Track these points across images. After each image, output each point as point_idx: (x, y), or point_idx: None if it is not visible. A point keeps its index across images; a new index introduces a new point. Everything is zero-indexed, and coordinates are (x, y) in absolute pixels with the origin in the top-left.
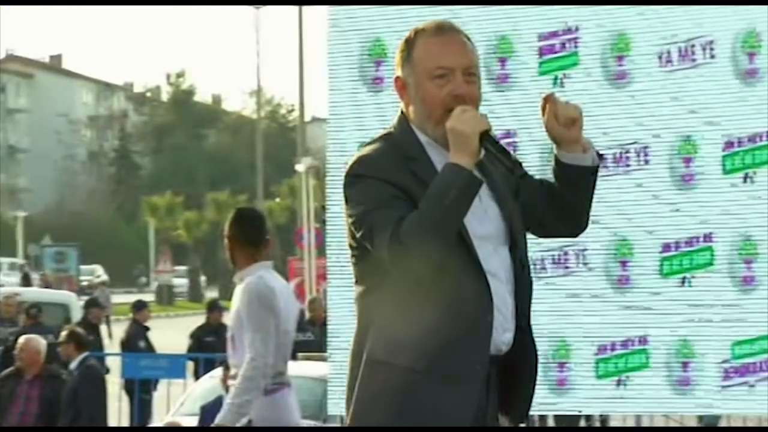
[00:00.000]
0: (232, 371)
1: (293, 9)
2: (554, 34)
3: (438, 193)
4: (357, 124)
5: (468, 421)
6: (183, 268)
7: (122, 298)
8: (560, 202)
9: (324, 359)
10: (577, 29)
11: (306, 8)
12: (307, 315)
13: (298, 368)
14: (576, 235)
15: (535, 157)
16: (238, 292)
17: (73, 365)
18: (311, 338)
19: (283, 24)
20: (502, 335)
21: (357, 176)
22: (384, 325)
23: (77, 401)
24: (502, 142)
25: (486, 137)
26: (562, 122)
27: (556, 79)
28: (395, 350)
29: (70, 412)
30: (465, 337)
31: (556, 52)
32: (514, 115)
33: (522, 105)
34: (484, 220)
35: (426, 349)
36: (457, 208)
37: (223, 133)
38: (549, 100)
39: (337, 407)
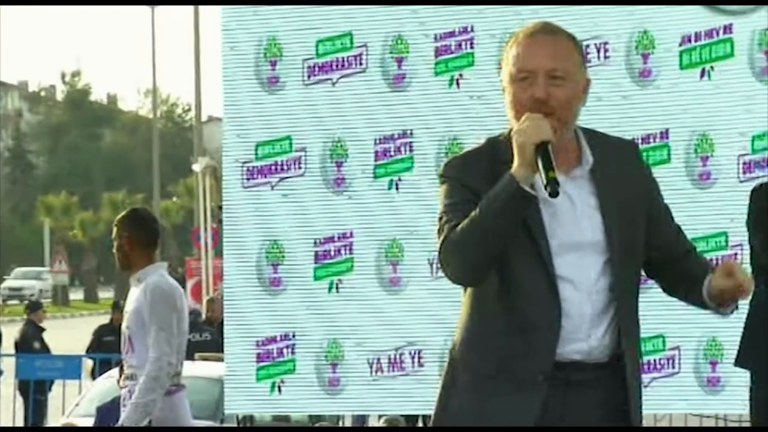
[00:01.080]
0: (128, 371)
1: (189, 8)
2: (450, 34)
3: (487, 203)
4: (252, 123)
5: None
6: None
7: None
8: (668, 278)
9: (221, 359)
10: (472, 29)
11: (202, 7)
12: (204, 315)
13: (195, 369)
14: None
15: (433, 155)
16: (136, 292)
17: None
18: (208, 338)
19: (179, 23)
20: (572, 344)
21: (441, 177)
22: (463, 324)
23: None
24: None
25: (541, 148)
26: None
27: (452, 79)
28: (467, 350)
29: None
30: (527, 343)
31: (452, 53)
32: (413, 113)
33: (420, 104)
34: (572, 227)
35: (496, 354)
36: (499, 218)
37: (119, 133)
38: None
39: (234, 407)
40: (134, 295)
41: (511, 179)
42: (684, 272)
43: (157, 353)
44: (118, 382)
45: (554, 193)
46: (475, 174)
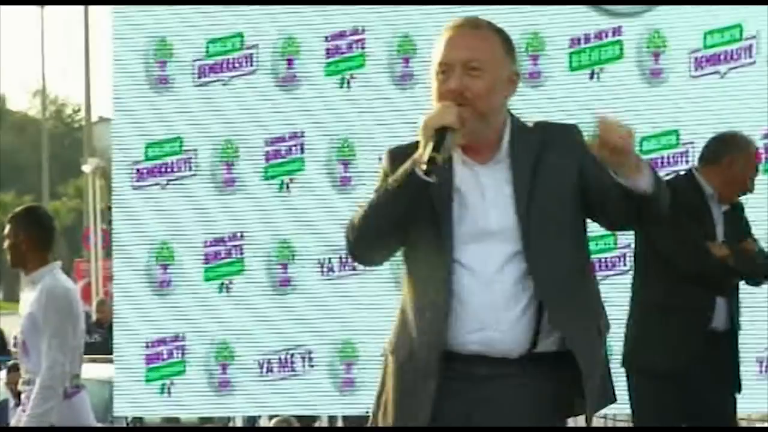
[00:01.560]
0: (25, 376)
1: (79, 9)
2: (341, 35)
3: (387, 184)
4: (142, 124)
5: (426, 410)
6: None
7: None
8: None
9: (110, 361)
10: (363, 31)
11: (92, 8)
12: (94, 317)
13: (84, 371)
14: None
15: (324, 156)
16: (31, 295)
17: None
18: (98, 340)
19: (68, 23)
20: (472, 334)
21: (382, 167)
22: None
23: None
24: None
25: (440, 133)
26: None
27: (342, 80)
28: (393, 342)
29: None
30: (422, 326)
31: (342, 53)
32: (304, 114)
33: (311, 103)
34: (480, 215)
35: (408, 341)
36: (394, 199)
37: (7, 134)
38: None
39: (123, 409)
40: (29, 298)
41: (410, 163)
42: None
43: (49, 361)
44: (7, 384)
45: (427, 172)
46: (400, 162)
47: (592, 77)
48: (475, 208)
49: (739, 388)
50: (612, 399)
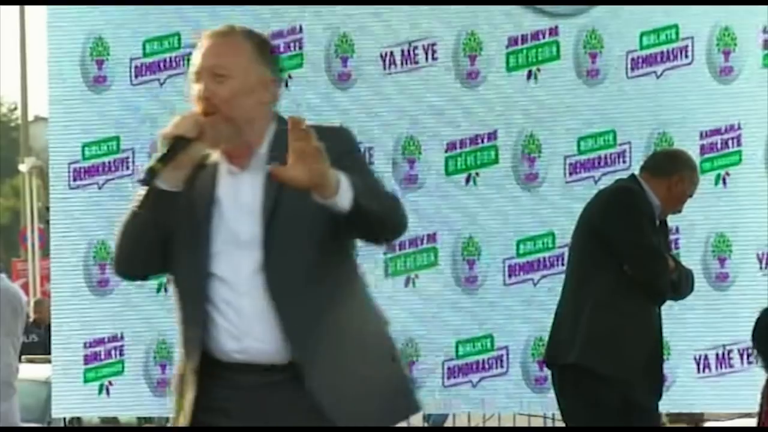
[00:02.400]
0: None
1: (14, 7)
2: (280, 34)
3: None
4: (78, 123)
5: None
6: None
7: None
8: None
9: (48, 361)
10: (301, 29)
11: (28, 7)
12: (32, 317)
13: (22, 371)
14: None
15: None
16: None
17: None
18: (35, 340)
19: (4, 22)
20: (232, 343)
21: None
22: None
23: None
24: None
25: (173, 143)
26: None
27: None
28: None
29: None
30: (185, 339)
31: (281, 53)
32: None
33: None
34: (234, 224)
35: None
36: (137, 210)
37: None
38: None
39: (61, 409)
40: None
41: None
42: None
43: (6, 359)
44: None
45: (145, 182)
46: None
47: (529, 78)
48: (232, 217)
49: (660, 395)
50: (410, 412)
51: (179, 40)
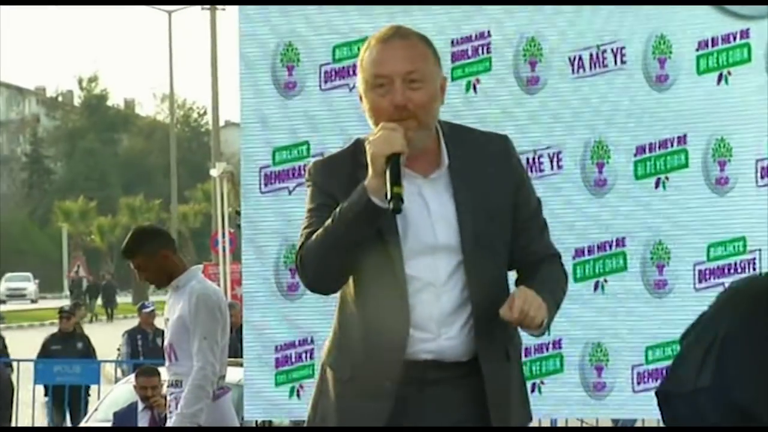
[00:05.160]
0: (171, 378)
1: (206, 13)
2: (467, 39)
3: (341, 213)
4: (269, 129)
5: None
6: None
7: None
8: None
9: (240, 364)
10: (489, 34)
11: (219, 12)
12: None
13: None
14: None
15: None
16: (179, 299)
17: None
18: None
19: (195, 27)
20: (423, 344)
21: (306, 180)
22: (332, 329)
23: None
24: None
25: (391, 160)
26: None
27: (468, 84)
28: (331, 355)
29: None
30: (379, 352)
31: (468, 57)
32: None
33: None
34: (426, 230)
35: (350, 360)
36: (350, 229)
37: (136, 138)
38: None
39: (253, 413)
40: (176, 303)
41: (363, 191)
42: (522, 278)
43: (201, 362)
44: (135, 387)
45: (396, 210)
46: (335, 178)
47: (720, 81)
48: (422, 223)
49: None
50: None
51: None
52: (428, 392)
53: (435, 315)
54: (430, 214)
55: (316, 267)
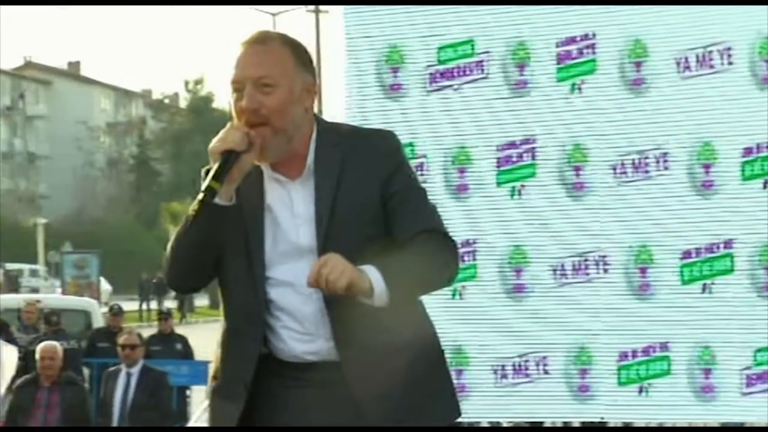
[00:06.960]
0: None
1: (310, 15)
2: (572, 40)
3: (188, 213)
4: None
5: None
6: None
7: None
8: None
9: None
10: (594, 35)
11: (323, 15)
12: None
13: None
14: None
15: (555, 162)
16: None
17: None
18: None
19: (299, 30)
20: (302, 345)
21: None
22: None
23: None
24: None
25: (223, 157)
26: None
27: (573, 85)
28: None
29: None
30: (234, 354)
31: (573, 59)
32: (536, 121)
33: (541, 110)
34: (291, 233)
35: (218, 358)
36: (192, 226)
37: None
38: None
39: None
40: None
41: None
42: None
43: None
44: None
45: (202, 201)
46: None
47: None
48: (287, 225)
49: None
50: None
51: (473, 46)
52: (313, 394)
53: (309, 317)
54: (294, 216)
55: (170, 265)
